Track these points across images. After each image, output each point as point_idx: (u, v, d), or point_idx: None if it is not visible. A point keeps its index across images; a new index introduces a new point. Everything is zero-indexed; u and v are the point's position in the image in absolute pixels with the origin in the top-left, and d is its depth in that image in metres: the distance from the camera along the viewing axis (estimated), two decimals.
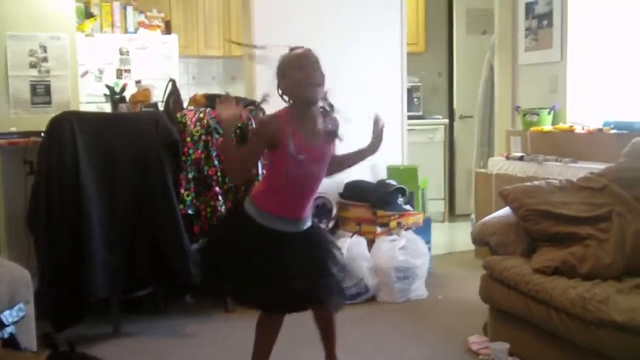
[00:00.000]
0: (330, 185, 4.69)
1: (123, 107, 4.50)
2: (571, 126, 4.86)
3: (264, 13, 4.97)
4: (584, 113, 5.10)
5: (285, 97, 2.74)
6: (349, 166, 2.94)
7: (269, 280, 2.67)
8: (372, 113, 2.88)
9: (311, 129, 2.70)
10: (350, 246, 4.41)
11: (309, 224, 2.85)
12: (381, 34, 5.43)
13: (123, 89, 4.70)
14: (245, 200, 2.82)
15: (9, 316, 2.67)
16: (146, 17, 6.89)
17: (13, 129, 4.51)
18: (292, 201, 2.75)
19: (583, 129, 4.74)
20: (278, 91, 2.74)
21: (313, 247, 2.82)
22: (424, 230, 4.91)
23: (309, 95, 2.68)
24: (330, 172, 2.89)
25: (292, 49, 2.74)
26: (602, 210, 3.25)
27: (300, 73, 2.66)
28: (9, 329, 2.65)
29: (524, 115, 5.22)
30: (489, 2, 6.08)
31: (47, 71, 5.72)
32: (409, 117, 5.98)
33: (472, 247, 4.96)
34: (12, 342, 2.64)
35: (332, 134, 2.77)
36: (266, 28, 4.97)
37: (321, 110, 2.76)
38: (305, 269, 2.73)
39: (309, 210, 2.83)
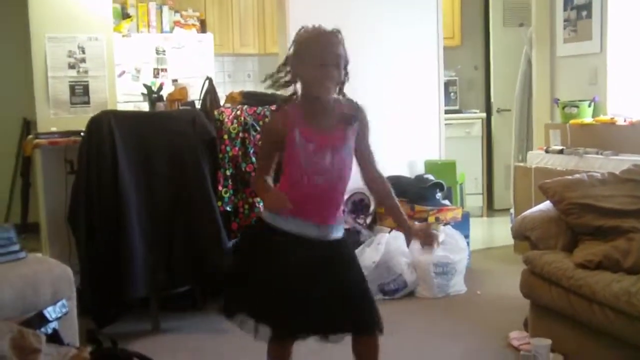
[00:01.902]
0: None
1: (160, 106, 4.54)
2: (612, 118, 4.77)
3: (298, 10, 4.97)
4: (625, 104, 5.00)
5: (292, 78, 2.44)
6: (384, 205, 2.67)
7: (290, 292, 2.37)
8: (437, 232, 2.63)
9: (320, 116, 2.43)
10: (389, 242, 4.39)
11: (339, 234, 2.51)
12: (417, 28, 5.39)
13: (160, 88, 4.74)
14: (262, 213, 2.53)
15: (52, 312, 2.71)
16: (182, 16, 6.94)
17: (53, 129, 4.58)
18: (314, 199, 2.42)
19: (625, 120, 4.65)
20: (285, 68, 2.46)
21: (341, 261, 2.50)
22: (462, 225, 4.87)
23: (321, 94, 2.41)
24: (366, 181, 2.58)
25: (311, 29, 2.45)
26: None
27: (318, 71, 2.36)
28: (52, 325, 2.69)
29: (563, 107, 5.14)
30: None
31: (86, 72, 5.80)
32: (446, 112, 5.93)
33: (511, 242, 4.92)
34: (55, 338, 2.67)
35: (347, 119, 2.45)
36: (301, 24, 4.95)
37: (337, 96, 2.47)
38: (332, 286, 2.41)
39: (338, 217, 2.51)
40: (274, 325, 2.42)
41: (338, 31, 2.43)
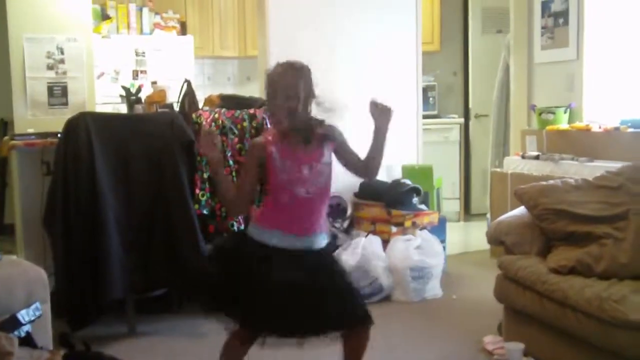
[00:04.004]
0: (345, 185, 4.69)
1: (139, 108, 4.52)
2: (587, 125, 4.82)
3: (279, 13, 4.98)
4: (600, 112, 5.06)
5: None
6: (377, 157, 2.76)
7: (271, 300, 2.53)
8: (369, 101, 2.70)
9: (295, 138, 2.61)
10: (365, 246, 4.41)
11: (322, 244, 2.68)
12: (396, 33, 5.42)
13: (139, 90, 4.72)
14: (248, 227, 2.73)
15: (25, 315, 2.69)
16: (162, 18, 6.92)
17: (30, 130, 4.55)
18: (296, 211, 2.62)
19: (600, 127, 4.71)
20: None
21: (325, 268, 2.65)
22: (439, 230, 4.90)
23: (277, 128, 2.64)
24: (367, 174, 2.80)
25: (276, 66, 2.65)
26: (619, 210, 3.23)
27: (271, 103, 2.61)
28: (25, 328, 2.67)
29: (540, 114, 5.19)
30: (504, 1, 6.05)
31: (64, 73, 5.76)
32: (424, 117, 5.97)
33: (487, 246, 4.95)
34: (28, 341, 2.66)
35: (322, 137, 2.64)
36: (281, 28, 4.98)
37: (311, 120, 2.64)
38: (314, 290, 2.57)
39: (320, 227, 2.67)
40: (244, 323, 2.61)
41: (300, 66, 2.61)
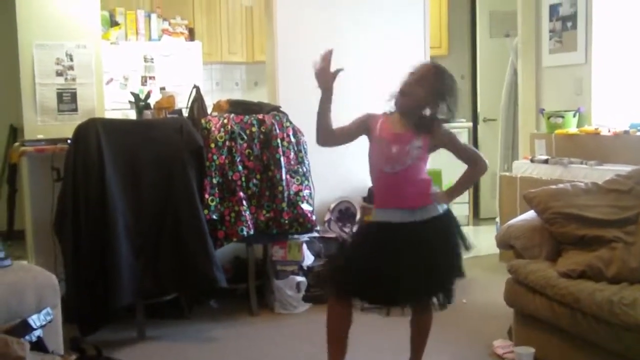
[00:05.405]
0: (354, 189, 4.70)
1: (148, 114, 4.54)
2: (597, 128, 4.81)
3: (287, 18, 4.99)
4: (609, 115, 5.05)
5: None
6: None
7: (376, 272, 2.83)
8: None
9: (400, 122, 2.93)
10: None
11: (431, 213, 2.94)
12: (404, 37, 5.42)
13: (148, 95, 4.74)
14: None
15: (36, 320, 2.70)
16: (170, 24, 6.94)
17: (40, 136, 4.57)
18: (388, 187, 2.92)
19: (609, 131, 4.69)
20: None
21: (426, 241, 2.90)
22: None
23: (395, 102, 2.94)
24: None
25: (429, 64, 3.11)
26: (629, 213, 3.23)
27: (405, 87, 2.92)
28: (36, 333, 2.68)
29: (549, 118, 5.18)
30: (512, 5, 6.04)
31: (73, 79, 5.78)
32: None
33: (497, 250, 4.95)
34: (40, 346, 2.67)
35: (423, 125, 2.94)
36: (289, 33, 4.99)
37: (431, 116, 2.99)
38: (407, 265, 2.83)
39: (422, 199, 2.93)
40: (342, 287, 2.93)
41: (444, 72, 3.00)
